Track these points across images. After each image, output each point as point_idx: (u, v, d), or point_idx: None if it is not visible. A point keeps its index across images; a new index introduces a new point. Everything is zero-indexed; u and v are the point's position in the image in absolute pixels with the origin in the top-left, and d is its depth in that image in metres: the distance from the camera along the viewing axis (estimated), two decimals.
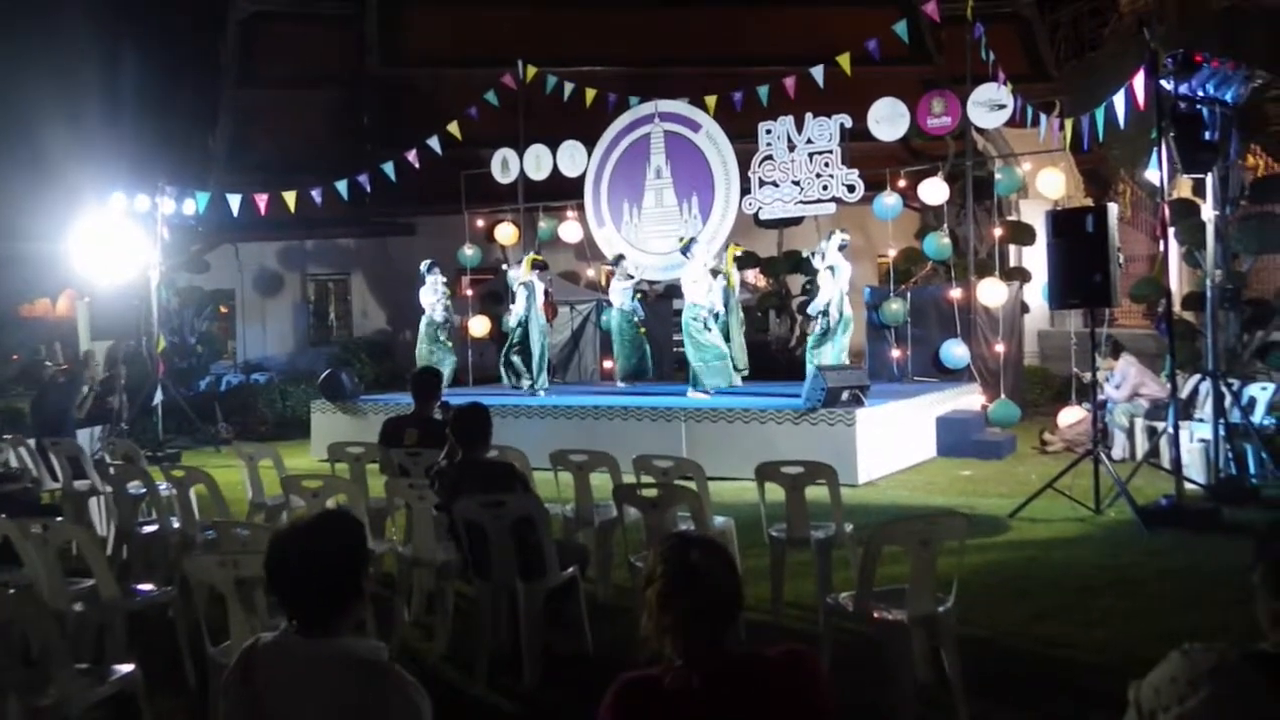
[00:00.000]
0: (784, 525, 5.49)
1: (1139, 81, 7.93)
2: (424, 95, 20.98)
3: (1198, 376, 8.96)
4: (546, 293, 15.60)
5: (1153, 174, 7.74)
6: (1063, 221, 7.70)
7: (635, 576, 5.00)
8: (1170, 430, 7.95)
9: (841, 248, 11.37)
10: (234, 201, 14.18)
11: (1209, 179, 7.88)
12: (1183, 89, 7.52)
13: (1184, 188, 13.00)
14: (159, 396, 13.59)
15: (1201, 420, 8.81)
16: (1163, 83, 7.51)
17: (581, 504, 5.99)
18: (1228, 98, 7.79)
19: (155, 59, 24.38)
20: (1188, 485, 7.72)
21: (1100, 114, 9.09)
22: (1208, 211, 8.07)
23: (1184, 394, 10.04)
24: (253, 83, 22.28)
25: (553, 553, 4.69)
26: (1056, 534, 7.23)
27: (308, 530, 2.34)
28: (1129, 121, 8.55)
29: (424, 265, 13.98)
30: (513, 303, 12.92)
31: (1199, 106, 7.64)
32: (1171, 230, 8.59)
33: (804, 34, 19.72)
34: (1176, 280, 14.36)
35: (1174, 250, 14.74)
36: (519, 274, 12.66)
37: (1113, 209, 7.37)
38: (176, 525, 5.86)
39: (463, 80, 17.69)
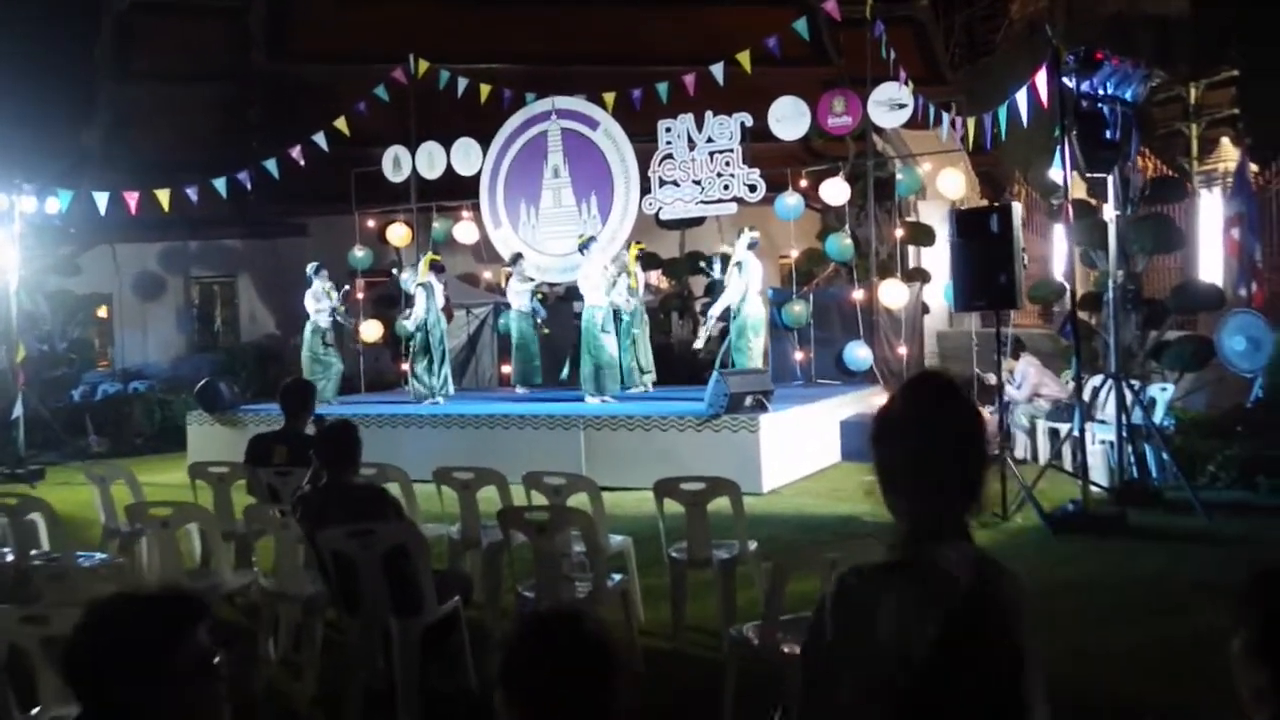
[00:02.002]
0: (685, 544, 5.14)
1: (1041, 79, 7.81)
2: (314, 92, 20.11)
3: (1099, 378, 8.91)
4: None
5: (1055, 173, 7.64)
6: (966, 221, 7.53)
7: (521, 606, 4.59)
8: (1076, 433, 7.84)
9: (751, 246, 11.16)
10: (101, 200, 13.27)
11: (1110, 179, 7.78)
12: (1084, 87, 7.40)
13: (1078, 188, 13.12)
14: (19, 409, 12.62)
15: (1103, 422, 8.75)
16: (1064, 80, 7.38)
17: (468, 525, 5.55)
18: (1128, 96, 7.72)
19: (24, 50, 23.03)
20: (1092, 489, 7.61)
21: (1003, 112, 8.98)
22: (1109, 211, 7.99)
23: (1085, 396, 10.05)
24: (132, 77, 21.18)
25: (430, 585, 4.25)
26: None
27: (103, 622, 1.88)
28: (1030, 120, 8.44)
29: (310, 268, 13.31)
30: (409, 306, 12.32)
31: (1100, 105, 7.54)
32: (1064, 230, 8.49)
33: (705, 33, 19.44)
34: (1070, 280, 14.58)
35: (1066, 251, 14.99)
36: (415, 276, 12.07)
37: (1017, 208, 7.23)
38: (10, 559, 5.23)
39: (355, 76, 16.99)
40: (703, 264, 13.40)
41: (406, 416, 10.67)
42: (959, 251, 7.49)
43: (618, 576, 4.80)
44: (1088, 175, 7.43)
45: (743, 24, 18.31)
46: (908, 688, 1.76)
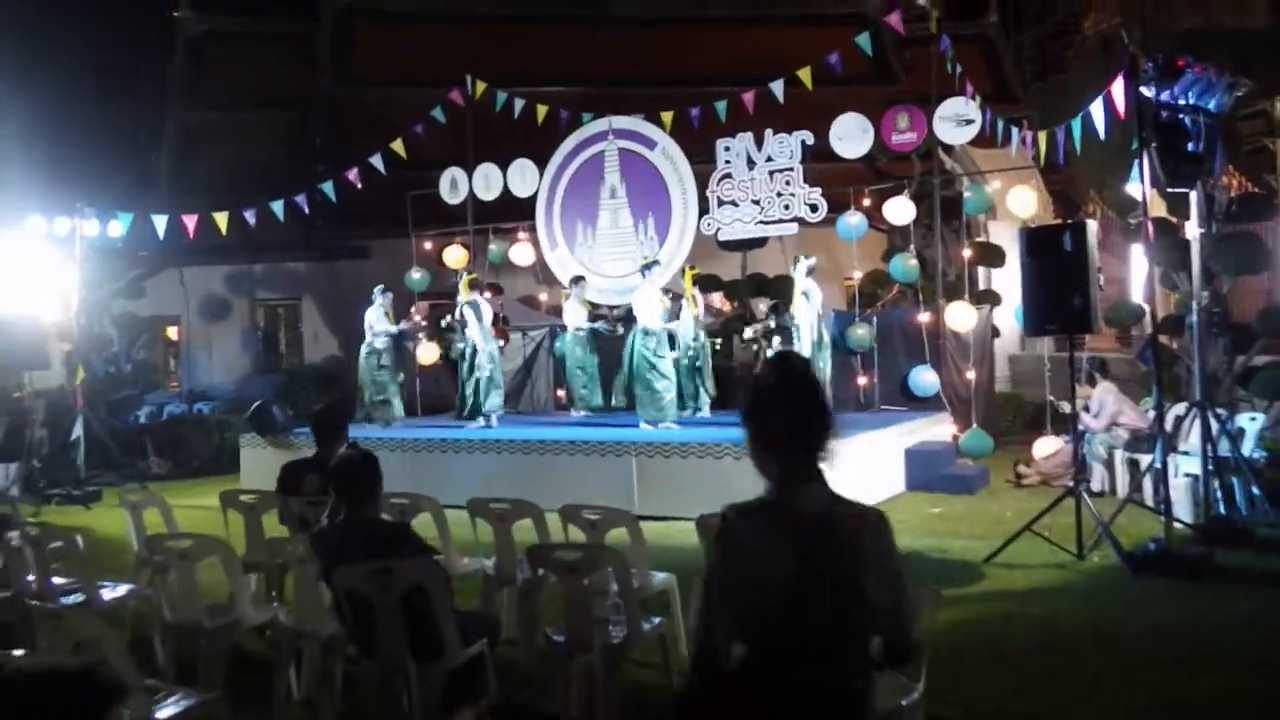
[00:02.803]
0: None
1: (1118, 88, 7.35)
2: (376, 116, 20.21)
3: (1181, 406, 8.37)
4: (498, 316, 14.95)
5: (1134, 188, 7.17)
6: (1038, 240, 7.09)
7: (552, 651, 4.29)
8: (1158, 465, 7.33)
9: (809, 273, 10.86)
10: (160, 223, 13.34)
11: (1193, 195, 7.30)
12: (1164, 96, 6.95)
13: (1157, 206, 12.52)
14: (79, 430, 12.69)
15: (1187, 454, 8.21)
16: (1143, 90, 6.93)
17: (503, 560, 5.26)
18: (1211, 106, 7.24)
19: (97, 72, 23.58)
20: (1175, 526, 7.09)
21: (1077, 125, 8.51)
22: (1191, 229, 7.49)
23: (1167, 425, 9.49)
24: (201, 103, 21.53)
25: (452, 628, 3.97)
26: (1036, 583, 6.57)
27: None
28: (1107, 132, 7.97)
29: (377, 289, 13.23)
30: (464, 328, 12.11)
31: (1181, 116, 7.07)
32: (1143, 249, 7.98)
33: (765, 54, 19.10)
34: (1161, 299, 13.94)
35: (1144, 271, 14.35)
36: (460, 298, 11.87)
37: (1092, 226, 6.77)
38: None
39: (415, 100, 17.01)
40: (763, 309, 13.07)
41: (455, 441, 10.46)
42: (1029, 272, 7.05)
43: (658, 619, 4.47)
44: (1169, 190, 6.95)
45: (804, 43, 17.95)
46: (775, 604, 2.19)
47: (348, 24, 21.91)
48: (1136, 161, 6.90)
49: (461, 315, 11.74)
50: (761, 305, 15.52)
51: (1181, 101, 7.09)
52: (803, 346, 10.80)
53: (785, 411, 2.40)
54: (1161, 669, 4.93)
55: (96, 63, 23.73)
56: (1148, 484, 8.11)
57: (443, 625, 3.93)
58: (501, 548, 5.27)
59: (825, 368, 10.94)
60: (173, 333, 21.42)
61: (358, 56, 22.14)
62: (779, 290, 13.30)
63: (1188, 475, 8.04)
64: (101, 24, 23.41)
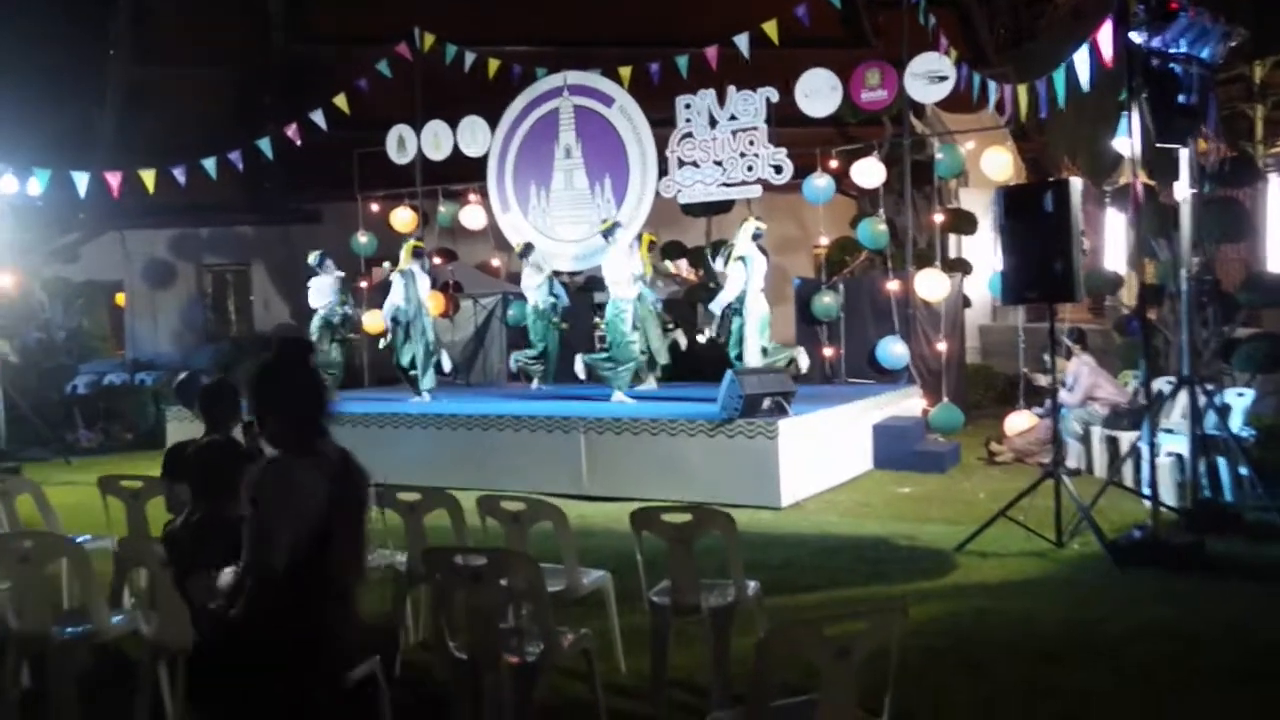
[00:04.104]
0: (669, 583, 4.20)
1: (1105, 35, 6.73)
2: (331, 74, 19.33)
3: (1163, 381, 7.84)
4: (448, 284, 14.25)
5: (1121, 143, 6.58)
6: (1017, 200, 6.48)
7: (457, 668, 3.67)
8: (1145, 447, 6.79)
9: (755, 237, 10.16)
10: (80, 181, 12.49)
11: (1184, 153, 6.72)
12: (1154, 43, 6.34)
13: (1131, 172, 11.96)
14: None
15: (1171, 431, 7.69)
16: (1133, 36, 6.32)
17: (414, 557, 4.63)
18: (1204, 56, 6.63)
19: (36, 26, 22.42)
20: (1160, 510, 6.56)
21: (1060, 76, 7.87)
22: (1181, 191, 6.90)
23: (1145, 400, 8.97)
24: (146, 59, 20.58)
25: None
26: (1012, 574, 6.02)
27: None
28: (1092, 82, 7.35)
29: (313, 257, 12.48)
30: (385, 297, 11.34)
31: (1172, 65, 6.47)
32: (1127, 214, 7.40)
33: (734, 17, 18.42)
34: (1129, 270, 13.42)
35: (1122, 237, 13.82)
36: (401, 264, 11.12)
37: (1076, 183, 6.17)
38: None
39: (371, 58, 16.19)
40: (708, 251, 12.32)
41: (392, 416, 9.78)
42: (1008, 234, 6.44)
43: (585, 630, 3.86)
44: (1158, 145, 6.35)
45: (775, 6, 17.24)
46: (318, 529, 2.88)
47: None
48: (1125, 114, 6.29)
49: (389, 282, 11.05)
50: (683, 265, 14.97)
51: (1173, 50, 6.48)
52: (717, 318, 10.27)
53: (290, 388, 3.05)
54: (1156, 680, 4.38)
55: (36, 13, 22.62)
56: (1128, 465, 7.57)
57: None
58: (412, 543, 4.64)
59: (755, 346, 10.10)
60: (121, 299, 20.59)
61: (312, 12, 21.29)
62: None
63: (1171, 455, 7.52)
64: None
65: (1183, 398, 7.23)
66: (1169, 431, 7.69)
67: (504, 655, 3.54)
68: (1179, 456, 7.45)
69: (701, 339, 11.09)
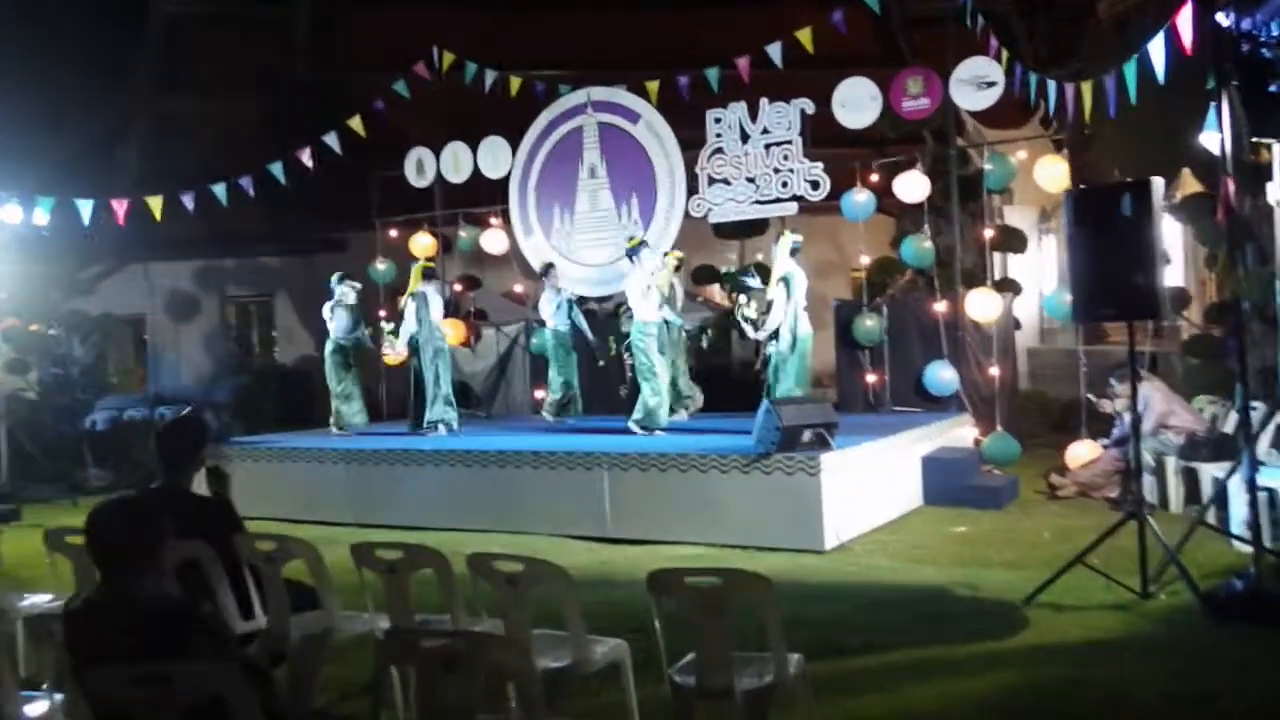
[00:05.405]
0: (693, 658, 3.49)
1: (1185, 19, 5.98)
2: (357, 103, 19.02)
3: (1261, 406, 7.03)
4: (470, 312, 13.66)
5: (1209, 137, 5.83)
6: (1089, 204, 5.74)
7: None
8: (1244, 483, 5.98)
9: (793, 252, 9.39)
10: (85, 209, 12.03)
11: (1277, 149, 5.95)
12: (1244, 25, 5.60)
13: (1191, 184, 11.12)
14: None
15: (1263, 464, 6.86)
16: (1219, 18, 5.58)
17: (398, 624, 3.94)
18: None
19: (64, 56, 22.28)
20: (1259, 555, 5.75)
21: (1131, 68, 7.09)
22: (1274, 192, 6.12)
23: (1227, 428, 8.14)
24: (171, 88, 20.39)
25: None
26: (1094, 632, 5.22)
27: None
28: (1167, 75, 6.59)
29: (335, 278, 11.91)
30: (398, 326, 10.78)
31: (1263, 50, 5.72)
32: (1222, 221, 6.61)
33: (767, 37, 17.83)
34: (1196, 287, 12.56)
35: (1182, 251, 12.96)
36: (411, 286, 10.54)
37: (1158, 184, 5.43)
38: None
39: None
40: (742, 275, 11.58)
41: (404, 453, 9.13)
42: (1079, 244, 5.70)
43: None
44: (1254, 140, 5.61)
45: (809, 24, 16.58)
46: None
47: (328, 6, 20.75)
48: (1214, 105, 5.54)
49: (403, 309, 10.50)
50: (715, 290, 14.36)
51: (1264, 36, 5.73)
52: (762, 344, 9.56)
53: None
54: None
55: (64, 42, 22.52)
56: (1213, 497, 6.75)
57: None
58: (393, 608, 3.95)
59: (795, 373, 9.29)
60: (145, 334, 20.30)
61: (338, 41, 21.04)
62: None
63: (1263, 489, 6.69)
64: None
65: (1273, 426, 6.44)
66: (1262, 464, 6.86)
67: None
68: (1271, 491, 6.64)
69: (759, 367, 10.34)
